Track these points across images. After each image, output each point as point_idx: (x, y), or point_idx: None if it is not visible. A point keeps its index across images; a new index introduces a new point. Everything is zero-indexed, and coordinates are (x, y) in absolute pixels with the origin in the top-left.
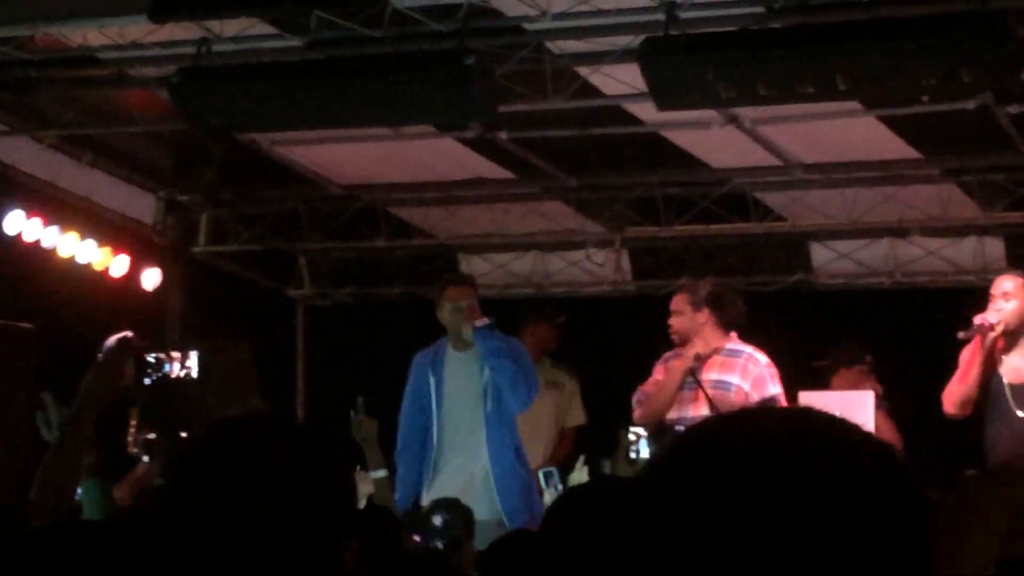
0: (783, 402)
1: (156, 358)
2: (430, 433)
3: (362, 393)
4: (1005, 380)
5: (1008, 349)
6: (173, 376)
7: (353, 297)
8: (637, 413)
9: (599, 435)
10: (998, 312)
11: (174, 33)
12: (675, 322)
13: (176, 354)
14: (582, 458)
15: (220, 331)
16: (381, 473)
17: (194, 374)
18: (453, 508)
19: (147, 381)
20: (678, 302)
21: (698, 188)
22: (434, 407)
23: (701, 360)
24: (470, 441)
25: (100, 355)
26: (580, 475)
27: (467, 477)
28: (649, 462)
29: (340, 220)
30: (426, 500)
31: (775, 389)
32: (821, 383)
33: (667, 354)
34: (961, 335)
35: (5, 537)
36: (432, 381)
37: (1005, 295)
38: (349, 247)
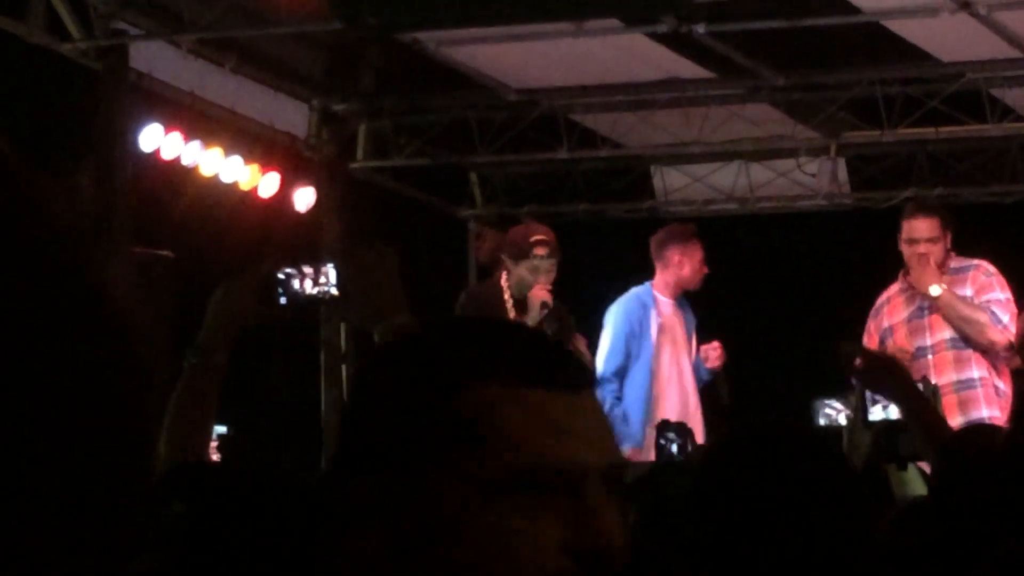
0: (1010, 307)
1: (287, 274)
2: None
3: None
4: None
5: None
6: (307, 294)
7: (532, 216)
8: None
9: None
10: None
11: None
12: (932, 251)
13: (308, 268)
14: None
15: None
16: None
17: (332, 290)
18: None
19: (283, 301)
20: (931, 226)
21: (925, 85)
22: None
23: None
24: None
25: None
26: None
27: None
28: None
29: (516, 130)
30: None
31: (1001, 295)
32: None
33: (882, 299)
34: None
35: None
36: None
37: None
38: (527, 160)
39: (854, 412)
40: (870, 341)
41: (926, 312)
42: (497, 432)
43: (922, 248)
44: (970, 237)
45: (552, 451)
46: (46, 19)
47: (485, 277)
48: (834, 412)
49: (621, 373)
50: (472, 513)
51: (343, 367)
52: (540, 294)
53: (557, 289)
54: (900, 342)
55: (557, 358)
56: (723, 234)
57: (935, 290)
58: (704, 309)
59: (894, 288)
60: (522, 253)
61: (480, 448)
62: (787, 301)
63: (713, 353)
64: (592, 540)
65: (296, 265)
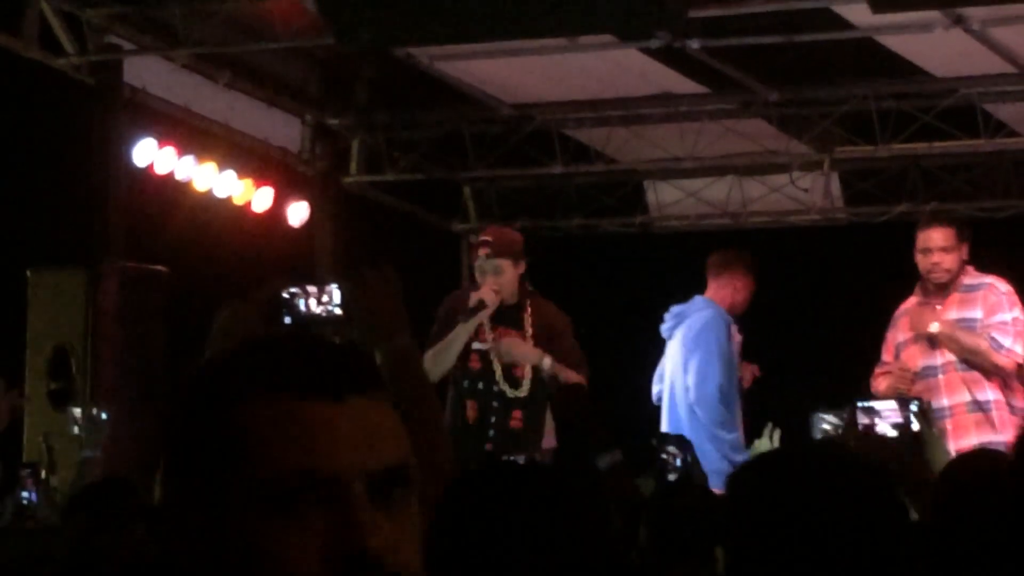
0: (1017, 327)
1: (291, 294)
2: None
3: None
4: None
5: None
6: (312, 313)
7: (525, 231)
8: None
9: (810, 380)
10: None
11: None
12: (945, 260)
13: (312, 288)
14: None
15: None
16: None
17: (336, 310)
18: None
19: (287, 320)
20: (946, 236)
21: (918, 101)
22: None
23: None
24: None
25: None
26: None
27: None
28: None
29: (510, 144)
30: None
31: (1008, 315)
32: None
33: (901, 310)
34: None
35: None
36: None
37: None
38: (520, 175)
39: (846, 426)
40: (887, 352)
41: None
42: (255, 444)
43: (935, 258)
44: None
45: (306, 459)
46: (40, 34)
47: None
48: (830, 426)
49: (726, 397)
50: (233, 525)
51: None
52: (481, 293)
53: (559, 302)
54: (909, 359)
55: (319, 366)
56: (716, 249)
57: (934, 327)
58: None
59: (911, 301)
60: (474, 256)
61: (240, 460)
62: (780, 316)
63: (750, 375)
64: (353, 546)
65: (300, 285)
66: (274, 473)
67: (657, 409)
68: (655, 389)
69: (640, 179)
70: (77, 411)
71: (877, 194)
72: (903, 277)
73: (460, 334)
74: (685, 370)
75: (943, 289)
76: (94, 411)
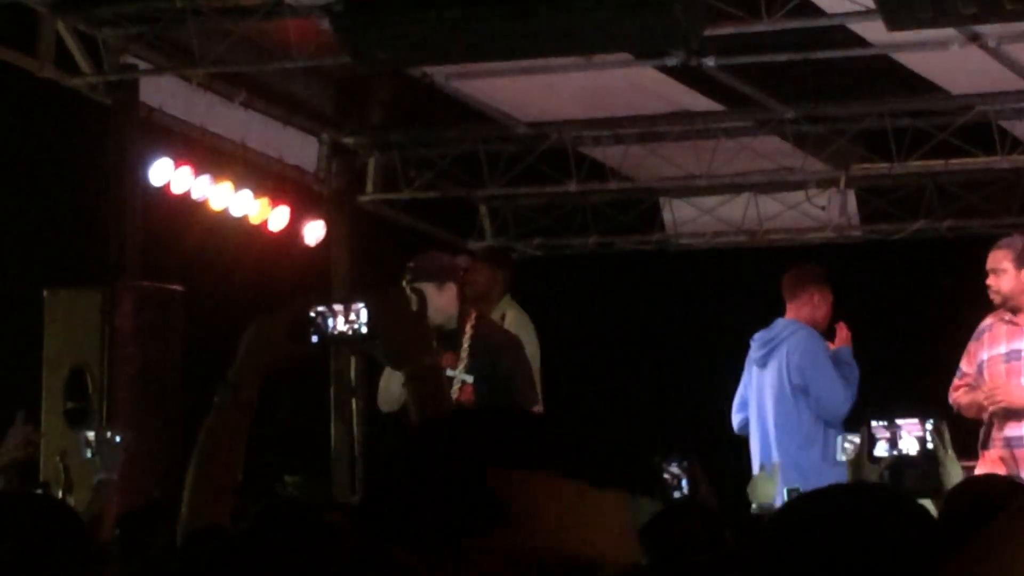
0: None
1: (318, 312)
2: None
3: (555, 356)
4: None
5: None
6: (338, 332)
7: (541, 249)
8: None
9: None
10: None
11: None
12: (997, 282)
13: (339, 307)
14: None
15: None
16: None
17: (363, 329)
18: None
19: (314, 339)
20: (999, 258)
21: (935, 118)
22: None
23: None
24: None
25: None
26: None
27: None
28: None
29: (525, 162)
30: None
31: None
32: None
33: (978, 329)
34: None
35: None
36: None
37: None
38: (536, 193)
39: (859, 447)
40: (968, 363)
41: None
42: (530, 516)
43: (988, 279)
44: (980, 269)
45: (577, 543)
46: (56, 54)
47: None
48: (852, 447)
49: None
50: None
51: (353, 400)
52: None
53: (568, 321)
54: (995, 378)
55: (594, 454)
56: (733, 267)
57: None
58: (715, 341)
59: (999, 314)
60: None
61: (511, 530)
62: None
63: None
64: None
65: (327, 303)
66: (546, 549)
67: (661, 426)
68: (736, 418)
69: (656, 197)
70: (91, 434)
71: (894, 211)
72: (923, 293)
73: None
74: (799, 395)
75: (1012, 311)
76: (108, 434)
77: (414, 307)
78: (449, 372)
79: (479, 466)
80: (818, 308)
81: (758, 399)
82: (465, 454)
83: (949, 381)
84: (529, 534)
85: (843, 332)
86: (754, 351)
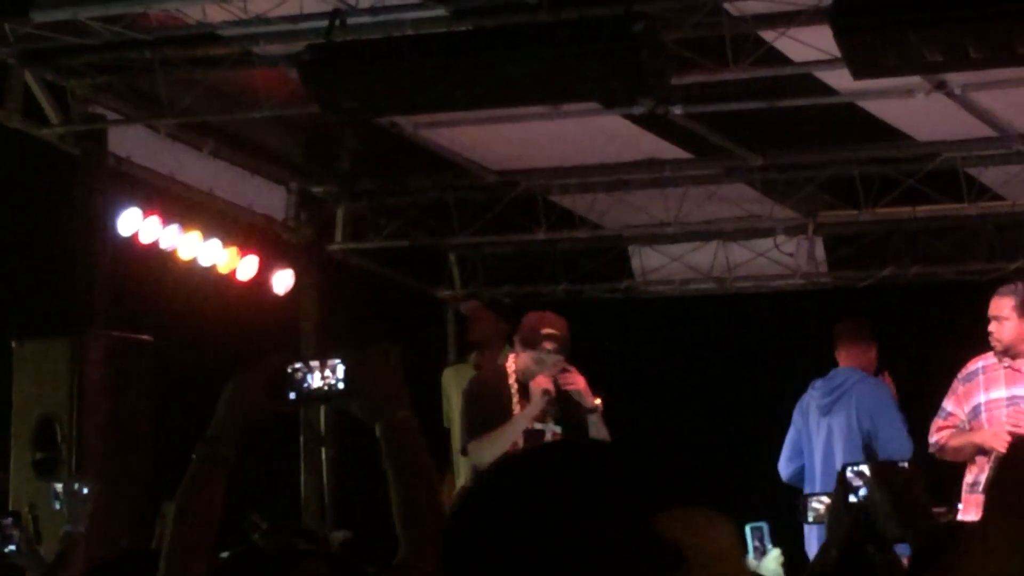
0: None
1: (295, 369)
2: None
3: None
4: None
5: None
6: (315, 388)
7: (510, 297)
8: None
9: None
10: None
11: (304, 5)
12: (999, 330)
13: (315, 363)
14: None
15: (360, 338)
16: None
17: (340, 385)
18: None
19: (291, 396)
20: (1002, 306)
21: (901, 165)
22: None
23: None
24: None
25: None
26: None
27: None
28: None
29: (494, 211)
30: None
31: None
32: None
33: (967, 370)
34: None
35: None
36: None
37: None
38: (505, 241)
39: (835, 494)
40: (957, 403)
41: None
42: (698, 554)
43: (989, 326)
44: (946, 316)
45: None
46: (24, 104)
47: (465, 355)
48: (821, 506)
49: None
50: None
51: (323, 449)
52: (542, 383)
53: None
54: (997, 424)
55: (715, 485)
56: (701, 314)
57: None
58: (684, 388)
59: (992, 357)
60: (531, 343)
61: (680, 570)
62: (766, 381)
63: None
64: None
65: (304, 360)
66: None
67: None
68: (790, 466)
69: (625, 244)
70: (59, 486)
71: (861, 258)
72: (888, 339)
73: (521, 421)
74: (869, 439)
75: (1012, 357)
76: (75, 486)
77: (391, 362)
78: (538, 425)
79: (638, 508)
80: (866, 355)
81: (824, 444)
82: (614, 498)
83: (919, 422)
84: (696, 572)
85: (889, 381)
86: (818, 398)
